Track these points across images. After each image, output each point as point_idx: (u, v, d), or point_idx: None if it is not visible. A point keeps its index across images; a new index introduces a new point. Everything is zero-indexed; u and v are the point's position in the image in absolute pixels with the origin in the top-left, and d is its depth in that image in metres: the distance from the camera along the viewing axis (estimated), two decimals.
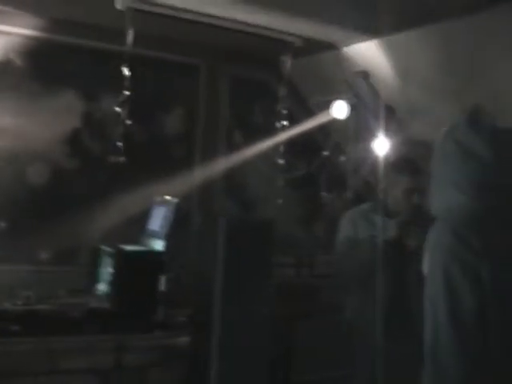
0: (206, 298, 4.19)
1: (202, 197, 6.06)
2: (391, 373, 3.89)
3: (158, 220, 4.94)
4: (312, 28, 5.19)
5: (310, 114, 6.37)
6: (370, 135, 5.58)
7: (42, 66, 5.41)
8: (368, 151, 5.59)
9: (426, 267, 2.42)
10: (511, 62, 4.57)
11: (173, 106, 6.13)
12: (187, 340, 4.37)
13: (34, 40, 5.30)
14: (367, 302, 4.13)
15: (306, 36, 5.39)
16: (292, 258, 6.28)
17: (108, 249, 4.66)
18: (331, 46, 5.60)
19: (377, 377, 3.96)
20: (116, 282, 4.39)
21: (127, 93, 4.90)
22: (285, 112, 5.78)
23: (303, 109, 6.49)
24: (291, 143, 5.93)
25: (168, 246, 4.62)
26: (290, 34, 5.42)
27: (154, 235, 4.87)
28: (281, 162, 5.83)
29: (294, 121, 6.04)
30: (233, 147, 6.25)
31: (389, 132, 5.38)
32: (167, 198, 4.99)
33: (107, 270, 4.55)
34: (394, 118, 5.52)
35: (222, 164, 6.20)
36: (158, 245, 4.72)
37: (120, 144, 4.96)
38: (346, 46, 5.55)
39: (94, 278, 4.77)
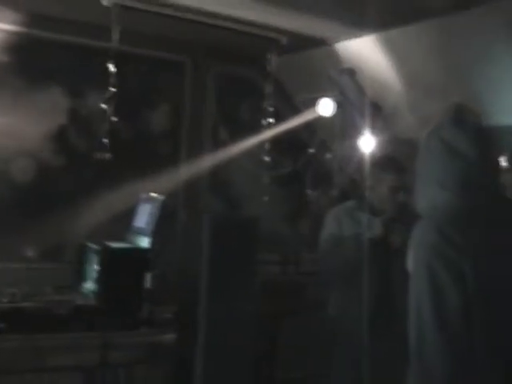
0: (192, 295, 4.19)
1: (187, 194, 6.06)
2: (376, 370, 3.91)
3: (143, 217, 4.93)
4: (299, 24, 5.20)
5: (295, 111, 6.38)
6: (355, 133, 5.60)
7: (27, 63, 5.39)
8: (354, 149, 5.60)
9: (410, 264, 2.44)
10: (501, 59, 4.60)
11: (159, 103, 6.13)
12: (173, 337, 4.37)
13: (18, 36, 5.28)
14: (351, 299, 4.15)
15: (293, 32, 5.39)
16: (277, 255, 6.29)
17: (94, 246, 4.65)
18: (317, 44, 5.60)
19: (362, 375, 3.98)
20: (102, 279, 4.39)
21: (113, 89, 4.89)
22: (271, 109, 5.78)
23: (289, 106, 6.50)
24: (277, 140, 5.93)
25: (154, 243, 4.62)
26: (276, 31, 5.43)
27: (140, 232, 4.86)
28: (266, 159, 5.84)
29: (279, 118, 6.05)
30: (219, 144, 6.26)
31: (375, 129, 5.39)
32: (153, 195, 4.99)
33: (93, 267, 4.55)
34: (380, 116, 5.54)
35: (207, 161, 6.20)
36: (144, 242, 4.72)
37: (106, 141, 4.95)
38: (333, 43, 5.56)
39: (80, 276, 4.76)
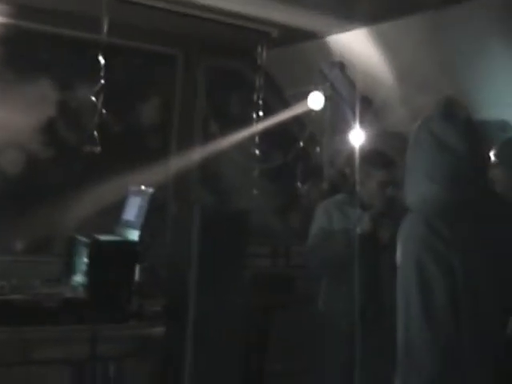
0: (181, 288, 4.19)
1: (177, 187, 6.06)
2: (365, 364, 3.92)
3: (133, 210, 4.92)
4: (290, 17, 5.19)
5: (286, 104, 6.38)
6: (345, 126, 5.60)
7: (16, 55, 5.37)
8: (344, 142, 5.60)
9: (398, 258, 2.44)
10: (491, 53, 4.60)
11: (149, 96, 6.12)
12: (162, 330, 4.37)
13: (7, 28, 5.26)
14: (340, 294, 4.15)
15: (284, 26, 5.38)
16: (268, 248, 6.30)
17: (83, 239, 4.64)
18: (308, 37, 5.60)
19: (351, 369, 3.99)
20: (91, 272, 4.37)
21: (103, 82, 4.87)
22: (261, 103, 5.78)
23: (279, 99, 6.50)
24: (267, 134, 5.94)
25: (143, 236, 4.61)
26: (267, 25, 5.42)
27: (129, 225, 4.85)
28: (257, 152, 5.84)
29: (270, 111, 6.04)
30: (209, 137, 6.25)
31: (365, 123, 5.40)
32: (143, 187, 4.98)
33: (82, 259, 4.53)
34: (370, 109, 5.54)
35: (198, 154, 6.19)
36: (133, 235, 4.70)
37: (96, 133, 4.93)
38: (324, 36, 5.55)
39: (69, 268, 4.75)
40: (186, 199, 6.05)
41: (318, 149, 6.26)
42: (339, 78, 5.60)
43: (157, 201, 4.84)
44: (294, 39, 5.71)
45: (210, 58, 6.27)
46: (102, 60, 4.83)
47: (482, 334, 2.38)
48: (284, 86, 6.52)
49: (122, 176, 5.42)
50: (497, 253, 2.42)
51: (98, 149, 4.92)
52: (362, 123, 5.40)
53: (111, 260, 4.37)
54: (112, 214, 5.13)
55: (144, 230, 4.64)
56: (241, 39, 5.73)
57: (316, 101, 5.69)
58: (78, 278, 4.57)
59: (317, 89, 5.69)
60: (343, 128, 5.68)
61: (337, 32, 5.40)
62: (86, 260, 4.45)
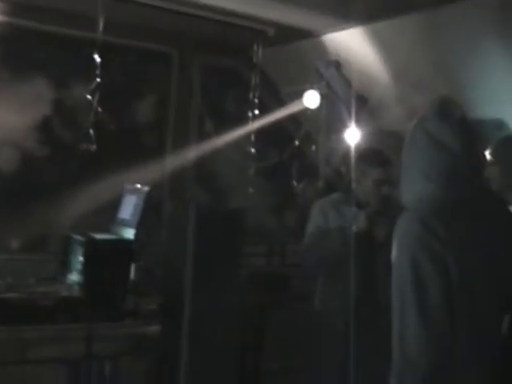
0: (177, 287, 4.19)
1: (173, 185, 6.05)
2: (360, 363, 3.92)
3: (128, 208, 4.92)
4: (286, 16, 5.19)
5: (281, 103, 6.38)
6: (341, 125, 5.60)
7: (12, 53, 5.36)
8: (339, 141, 5.61)
9: (393, 256, 2.44)
10: (486, 53, 4.61)
11: (145, 95, 6.11)
12: (157, 329, 4.37)
13: (2, 26, 5.24)
14: (336, 292, 4.15)
15: (280, 24, 5.38)
16: (263, 247, 6.30)
17: (78, 237, 4.63)
18: (304, 36, 5.60)
19: (347, 367, 3.99)
20: (86, 271, 4.37)
21: (98, 80, 4.87)
22: (257, 101, 5.78)
23: (275, 98, 6.50)
24: (263, 132, 5.93)
25: (138, 235, 4.61)
26: (263, 23, 5.42)
27: (125, 224, 4.85)
28: (252, 151, 5.83)
29: (265, 110, 6.04)
30: (204, 136, 6.24)
31: (360, 122, 5.40)
32: (138, 186, 4.97)
33: (78, 258, 4.53)
34: (365, 108, 5.55)
35: (193, 152, 6.19)
36: (129, 233, 4.71)
37: (91, 132, 4.93)
38: (320, 35, 5.56)
39: (64, 267, 4.74)
40: (182, 198, 6.05)
41: (313, 147, 6.26)
42: (335, 76, 5.60)
43: (152, 199, 4.83)
44: (289, 38, 5.71)
45: (205, 56, 6.27)
46: (97, 58, 4.83)
47: (477, 333, 2.38)
48: (280, 84, 6.51)
49: (118, 174, 5.42)
50: (493, 252, 2.42)
51: (94, 147, 4.92)
52: (357, 122, 5.41)
53: (107, 258, 4.37)
54: (107, 213, 5.14)
55: (139, 228, 4.63)
56: (237, 37, 5.73)
57: (312, 99, 5.70)
58: (74, 277, 4.57)
59: (312, 87, 5.69)
60: (339, 127, 5.68)
61: (332, 31, 5.40)
62: (81, 258, 4.45)
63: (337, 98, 5.70)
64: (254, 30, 5.49)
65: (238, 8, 5.07)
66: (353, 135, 5.44)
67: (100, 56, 4.83)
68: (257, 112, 5.77)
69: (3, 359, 3.96)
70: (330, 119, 5.89)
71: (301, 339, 4.81)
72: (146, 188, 4.86)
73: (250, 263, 5.23)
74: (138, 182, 5.04)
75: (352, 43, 5.36)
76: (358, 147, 5.16)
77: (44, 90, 5.51)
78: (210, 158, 6.21)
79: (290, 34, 5.59)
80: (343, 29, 5.29)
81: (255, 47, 5.75)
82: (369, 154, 4.36)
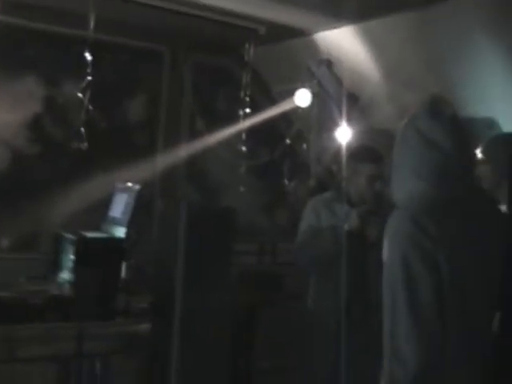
0: (168, 285, 4.18)
1: (164, 184, 6.05)
2: (352, 362, 3.92)
3: (119, 207, 4.91)
4: (278, 14, 5.19)
5: (273, 101, 6.38)
6: (332, 123, 5.61)
7: (3, 51, 5.34)
8: (331, 139, 5.61)
9: (385, 254, 2.44)
10: (477, 51, 4.62)
11: (136, 93, 6.10)
12: (148, 327, 4.36)
13: None
14: (328, 292, 4.15)
15: (272, 23, 5.38)
16: (254, 245, 6.30)
17: (69, 236, 4.62)
18: (296, 34, 5.60)
19: (339, 366, 3.99)
20: (77, 269, 4.36)
21: (90, 78, 4.85)
22: (248, 99, 5.77)
23: (266, 96, 6.50)
24: (254, 131, 5.93)
25: (129, 233, 4.60)
26: (255, 21, 5.42)
27: (116, 222, 4.84)
28: (243, 149, 5.83)
29: (257, 108, 6.04)
30: (195, 134, 6.24)
31: (351, 120, 5.40)
32: (129, 184, 4.96)
33: (68, 257, 4.52)
34: (357, 106, 5.55)
35: (184, 151, 6.18)
36: (120, 232, 4.70)
37: (82, 130, 4.92)
38: (311, 33, 5.55)
39: (55, 265, 4.73)
40: (173, 196, 6.05)
41: (304, 146, 6.26)
42: (326, 75, 5.60)
43: (143, 198, 4.83)
44: (281, 36, 5.71)
45: (196, 54, 6.26)
46: (88, 56, 4.82)
47: (468, 331, 2.38)
48: (271, 83, 6.52)
49: (109, 173, 5.41)
50: (483, 250, 2.43)
51: (85, 145, 4.91)
52: (348, 120, 5.41)
53: (97, 257, 4.36)
54: (98, 211, 5.12)
55: (130, 226, 4.63)
56: (228, 36, 5.72)
57: (303, 98, 5.70)
58: (65, 275, 4.56)
59: (304, 86, 5.70)
60: (330, 125, 5.68)
61: (324, 29, 5.40)
62: (72, 257, 4.44)
63: (328, 97, 5.70)
64: (245, 28, 5.49)
65: (229, 6, 5.06)
66: (344, 134, 5.45)
67: (91, 54, 4.82)
68: (248, 110, 5.77)
69: None
70: (321, 118, 5.89)
71: (292, 338, 4.81)
72: (137, 186, 4.86)
73: (241, 262, 5.22)
74: (129, 181, 5.03)
75: (343, 42, 5.36)
76: (349, 145, 5.16)
77: (35, 88, 5.50)
78: (201, 156, 6.21)
79: (281, 33, 5.59)
80: (334, 27, 5.29)
81: (246, 46, 5.74)
82: (361, 151, 4.36)
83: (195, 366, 4.11)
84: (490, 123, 4.71)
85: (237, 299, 4.64)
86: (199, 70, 6.37)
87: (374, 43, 5.20)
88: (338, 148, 5.35)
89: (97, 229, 4.89)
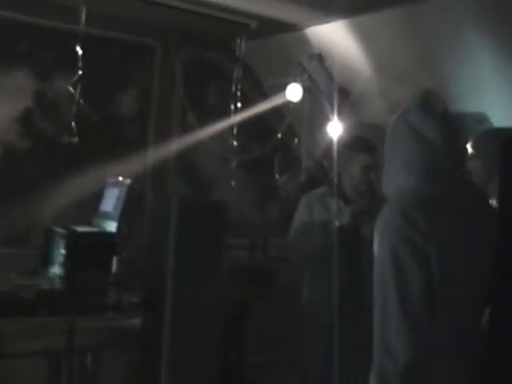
0: (159, 280, 4.18)
1: (155, 178, 6.05)
2: (344, 356, 3.94)
3: (110, 201, 4.90)
4: (269, 9, 5.18)
5: (264, 96, 6.37)
6: (323, 118, 5.61)
7: None
8: (322, 134, 5.62)
9: (375, 248, 2.44)
10: (467, 47, 4.62)
11: (127, 87, 6.09)
12: (139, 321, 4.36)
13: None
14: (321, 287, 4.16)
15: (263, 17, 5.37)
16: (245, 239, 6.30)
17: (60, 230, 4.62)
18: (287, 29, 5.59)
19: (331, 362, 4.00)
20: (68, 264, 4.36)
21: (81, 72, 4.84)
22: (239, 94, 5.77)
23: (258, 91, 6.49)
24: (245, 125, 5.93)
25: (120, 228, 4.60)
26: (246, 16, 5.41)
27: (107, 216, 4.84)
28: (234, 143, 5.83)
29: (248, 103, 6.04)
30: (187, 128, 6.23)
31: (342, 115, 5.41)
32: (120, 178, 4.96)
33: (59, 251, 4.52)
34: (348, 101, 5.56)
35: (175, 145, 6.18)
36: (111, 226, 4.69)
37: (73, 124, 4.91)
38: (302, 28, 5.55)
39: (46, 260, 4.73)
40: (164, 190, 6.05)
41: (296, 140, 6.27)
42: (317, 69, 5.60)
43: (134, 192, 4.82)
44: (272, 31, 5.70)
45: (188, 48, 6.25)
46: (79, 50, 4.80)
47: (458, 326, 2.39)
48: (262, 77, 6.51)
49: (100, 167, 5.40)
50: (473, 245, 2.44)
51: (76, 139, 4.90)
52: (339, 115, 5.42)
53: (88, 251, 4.36)
54: (89, 205, 5.12)
55: (121, 221, 4.62)
56: (219, 30, 5.71)
57: (294, 92, 5.70)
58: (55, 270, 4.55)
59: (295, 80, 5.70)
60: (321, 120, 5.69)
61: (315, 24, 5.40)
62: (63, 251, 4.44)
63: (319, 91, 5.71)
64: (236, 22, 5.48)
65: (220, 1, 5.05)
66: (335, 128, 5.45)
67: (82, 48, 4.80)
68: (239, 105, 5.76)
69: None
70: (312, 112, 5.89)
71: (284, 332, 4.82)
72: (128, 180, 4.85)
73: (233, 256, 5.23)
74: (120, 175, 5.03)
75: (334, 36, 5.36)
76: (341, 139, 5.17)
77: (25, 82, 5.48)
78: (193, 150, 6.20)
79: (272, 27, 5.59)
80: (326, 22, 5.29)
81: (238, 40, 5.73)
82: (356, 141, 4.37)
83: (186, 360, 4.12)
84: (481, 118, 4.72)
85: (228, 293, 4.64)
86: (190, 65, 6.36)
87: (366, 38, 5.20)
88: (330, 142, 5.35)
89: (88, 223, 4.88)
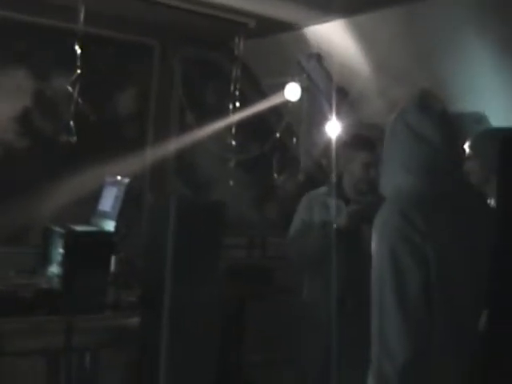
0: (157, 279, 4.19)
1: (154, 177, 6.05)
2: (342, 356, 3.94)
3: (109, 200, 4.90)
4: (268, 8, 5.18)
5: (262, 95, 6.38)
6: (322, 118, 5.61)
7: None
8: (320, 133, 5.62)
9: (373, 247, 2.45)
10: (465, 46, 4.63)
11: (126, 86, 6.09)
12: (138, 321, 4.36)
13: None
14: (320, 287, 4.15)
15: (262, 16, 5.37)
16: (244, 239, 6.31)
17: (59, 229, 4.62)
18: (285, 28, 5.60)
19: (330, 361, 4.00)
20: (66, 263, 4.36)
21: (79, 72, 4.84)
22: (237, 93, 5.77)
23: (256, 90, 6.50)
24: (243, 124, 5.93)
25: (119, 227, 4.60)
26: (245, 15, 5.41)
27: (106, 215, 4.83)
28: (233, 143, 5.83)
29: (246, 102, 6.04)
30: (185, 128, 6.23)
31: (341, 114, 5.41)
32: (119, 178, 4.96)
33: (58, 250, 4.51)
34: (346, 101, 5.56)
35: (174, 144, 6.18)
36: (109, 225, 4.69)
37: (72, 123, 4.91)
38: (301, 27, 5.55)
39: (44, 259, 4.73)
40: (163, 189, 6.05)
41: (294, 140, 6.27)
42: (316, 69, 5.60)
43: (133, 191, 4.82)
44: (271, 30, 5.71)
45: (186, 48, 6.25)
46: (78, 50, 4.80)
47: (456, 326, 2.39)
48: (261, 76, 6.51)
49: (98, 166, 5.40)
50: (472, 245, 2.44)
51: (74, 138, 4.90)
52: (338, 114, 5.42)
53: (87, 250, 4.36)
54: (88, 205, 5.11)
55: (120, 220, 4.62)
56: (218, 30, 5.72)
57: (293, 92, 5.70)
58: (54, 269, 4.55)
59: (294, 80, 5.70)
60: (320, 119, 5.69)
61: (314, 23, 5.40)
62: (61, 250, 4.43)
63: (318, 91, 5.71)
64: (235, 22, 5.48)
65: (219, 0, 5.05)
66: (333, 128, 5.45)
67: (81, 47, 4.80)
68: (238, 104, 5.76)
69: None
70: (310, 112, 5.89)
71: (282, 331, 4.82)
72: (127, 180, 4.85)
73: (231, 255, 5.23)
74: (118, 174, 5.02)
75: (333, 36, 5.37)
76: (340, 138, 5.17)
77: (24, 82, 5.48)
78: (191, 150, 6.20)
79: (271, 27, 5.59)
80: (325, 21, 5.29)
81: (236, 39, 5.73)
82: (357, 139, 4.36)
83: (184, 359, 4.12)
84: (479, 118, 4.72)
85: (226, 292, 4.65)
86: (189, 64, 6.36)
87: (364, 37, 5.21)
88: (328, 142, 5.35)
89: (86, 222, 4.88)
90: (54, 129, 5.49)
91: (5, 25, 5.33)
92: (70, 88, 4.86)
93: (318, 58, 5.59)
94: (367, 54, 5.31)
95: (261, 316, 5.60)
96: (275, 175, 6.30)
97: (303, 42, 5.61)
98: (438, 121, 2.52)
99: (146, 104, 6.19)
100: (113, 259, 4.50)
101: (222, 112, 5.88)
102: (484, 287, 2.42)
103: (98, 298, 4.32)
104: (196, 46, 6.25)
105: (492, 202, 2.89)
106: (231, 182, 5.89)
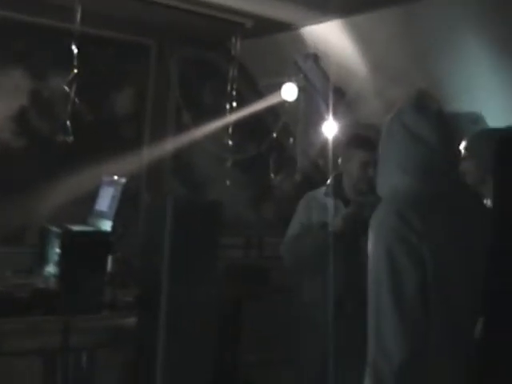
0: (154, 279, 4.18)
1: (150, 177, 6.05)
2: (341, 356, 3.94)
3: (106, 200, 4.90)
4: (265, 8, 5.18)
5: (259, 95, 6.38)
6: (319, 118, 5.62)
7: None
8: (317, 134, 5.62)
9: (370, 247, 2.45)
10: (462, 47, 4.63)
11: (122, 86, 6.09)
12: (134, 321, 4.36)
13: None
14: (319, 288, 4.15)
15: (258, 16, 5.37)
16: (241, 239, 6.30)
17: (55, 229, 4.61)
18: (282, 28, 5.60)
19: (325, 360, 4.01)
20: (63, 263, 4.36)
21: (76, 71, 4.84)
22: (234, 93, 5.77)
23: (253, 90, 6.50)
24: (240, 124, 5.93)
25: (116, 227, 4.60)
26: (241, 15, 5.41)
27: (102, 215, 4.83)
28: (230, 143, 5.83)
29: (243, 102, 6.04)
30: (182, 128, 6.23)
31: (337, 114, 5.41)
32: (116, 177, 4.95)
33: (54, 250, 4.51)
34: (343, 101, 5.56)
35: (171, 144, 6.18)
36: (106, 225, 4.69)
37: (68, 123, 4.90)
38: (298, 27, 5.55)
39: (41, 259, 4.72)
40: (159, 189, 6.05)
41: (291, 140, 6.27)
42: (313, 69, 5.60)
43: (129, 191, 4.82)
44: (268, 30, 5.71)
45: (183, 48, 6.25)
46: (75, 49, 4.80)
47: (453, 326, 2.40)
48: (258, 76, 6.51)
49: (95, 166, 5.40)
50: (468, 246, 2.44)
51: (71, 138, 4.90)
52: (335, 115, 5.42)
53: (83, 250, 4.35)
54: (85, 204, 5.11)
55: (117, 220, 4.62)
56: (215, 30, 5.72)
57: (290, 92, 5.70)
58: (50, 269, 4.55)
59: (290, 80, 5.70)
60: (317, 119, 5.69)
61: (311, 24, 5.40)
62: (58, 250, 4.43)
63: (315, 91, 5.71)
64: (232, 22, 5.48)
65: (216, 0, 5.05)
66: (330, 128, 5.46)
67: (78, 47, 4.80)
68: (234, 104, 5.77)
69: None
70: (307, 112, 5.90)
71: (279, 331, 4.82)
72: (124, 180, 4.85)
73: (228, 255, 5.23)
74: (115, 174, 5.02)
75: (330, 36, 5.37)
76: (337, 138, 5.18)
77: (21, 81, 5.47)
78: (188, 150, 6.21)
79: (268, 27, 5.59)
80: (321, 22, 5.29)
81: (233, 39, 5.73)
82: (354, 138, 4.35)
83: (181, 359, 4.12)
84: (475, 118, 4.73)
85: (223, 293, 4.65)
86: (186, 64, 6.36)
87: (361, 38, 5.21)
88: (325, 142, 5.36)
89: (83, 222, 4.87)
90: (50, 128, 5.49)
91: (3, 24, 5.33)
92: (66, 88, 4.86)
93: (315, 58, 5.60)
94: (364, 55, 5.32)
95: (257, 316, 5.60)
96: (272, 175, 6.30)
97: (300, 42, 5.61)
98: (435, 121, 2.52)
99: (142, 104, 6.19)
100: (110, 259, 4.50)
101: (219, 112, 5.88)
102: (480, 287, 2.42)
103: (94, 298, 4.31)
104: (193, 45, 6.25)
105: (488, 202, 2.89)
106: (228, 182, 5.89)
